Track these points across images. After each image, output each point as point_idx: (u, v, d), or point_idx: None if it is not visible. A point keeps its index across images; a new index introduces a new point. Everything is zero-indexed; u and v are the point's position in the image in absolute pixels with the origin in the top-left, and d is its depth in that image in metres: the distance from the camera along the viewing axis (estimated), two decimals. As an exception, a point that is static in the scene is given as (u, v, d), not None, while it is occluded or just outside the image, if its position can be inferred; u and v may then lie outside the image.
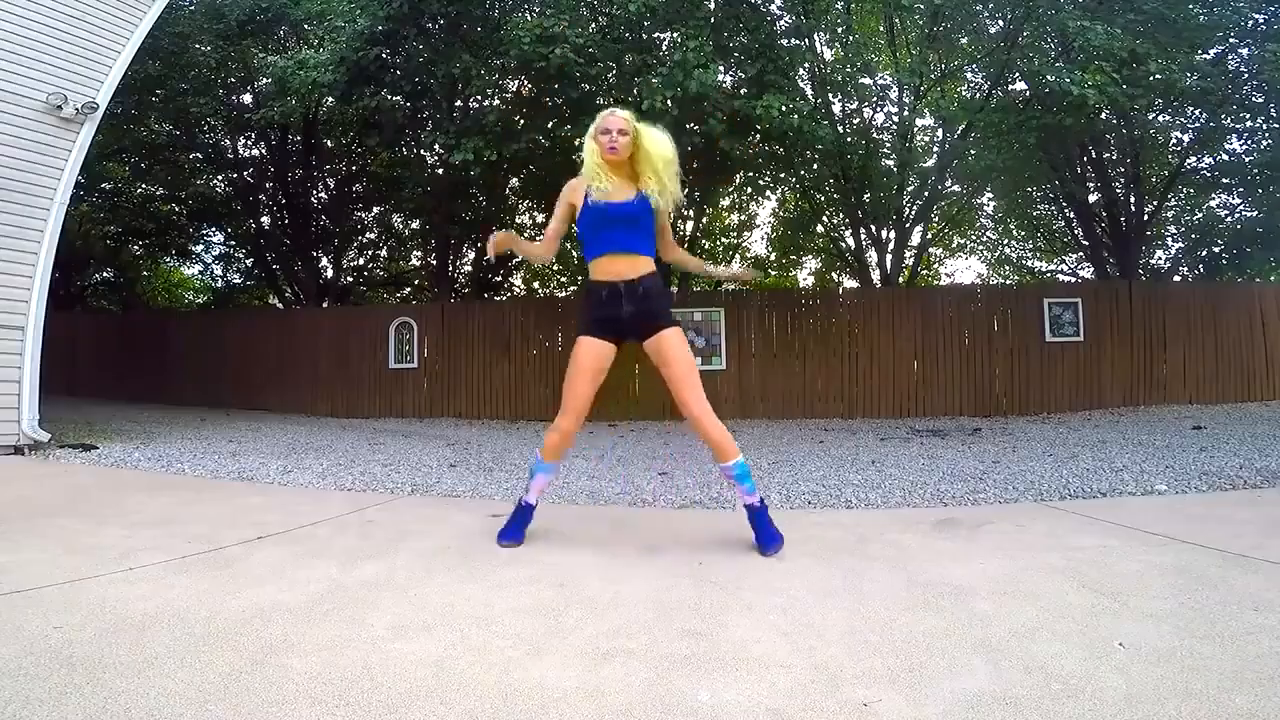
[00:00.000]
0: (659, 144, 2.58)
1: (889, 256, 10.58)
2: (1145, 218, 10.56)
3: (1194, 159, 10.44)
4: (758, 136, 8.20)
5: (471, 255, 13.78)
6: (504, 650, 1.70)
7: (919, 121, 10.67)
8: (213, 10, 10.04)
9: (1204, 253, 11.29)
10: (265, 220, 13.60)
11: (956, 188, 11.56)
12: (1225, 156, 10.11)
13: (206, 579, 2.20)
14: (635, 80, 7.28)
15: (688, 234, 12.98)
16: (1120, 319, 8.68)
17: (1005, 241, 14.85)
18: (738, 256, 15.08)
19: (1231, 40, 8.32)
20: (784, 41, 8.59)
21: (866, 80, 9.64)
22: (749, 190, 12.70)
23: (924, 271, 14.91)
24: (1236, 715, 1.36)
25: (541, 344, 9.54)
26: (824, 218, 12.25)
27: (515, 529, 2.71)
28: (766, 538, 2.55)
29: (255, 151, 13.20)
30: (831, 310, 9.28)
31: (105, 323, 14.13)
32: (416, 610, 1.96)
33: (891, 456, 5.26)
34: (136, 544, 2.56)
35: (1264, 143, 9.31)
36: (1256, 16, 8.02)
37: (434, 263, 12.57)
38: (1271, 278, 10.99)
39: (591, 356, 2.62)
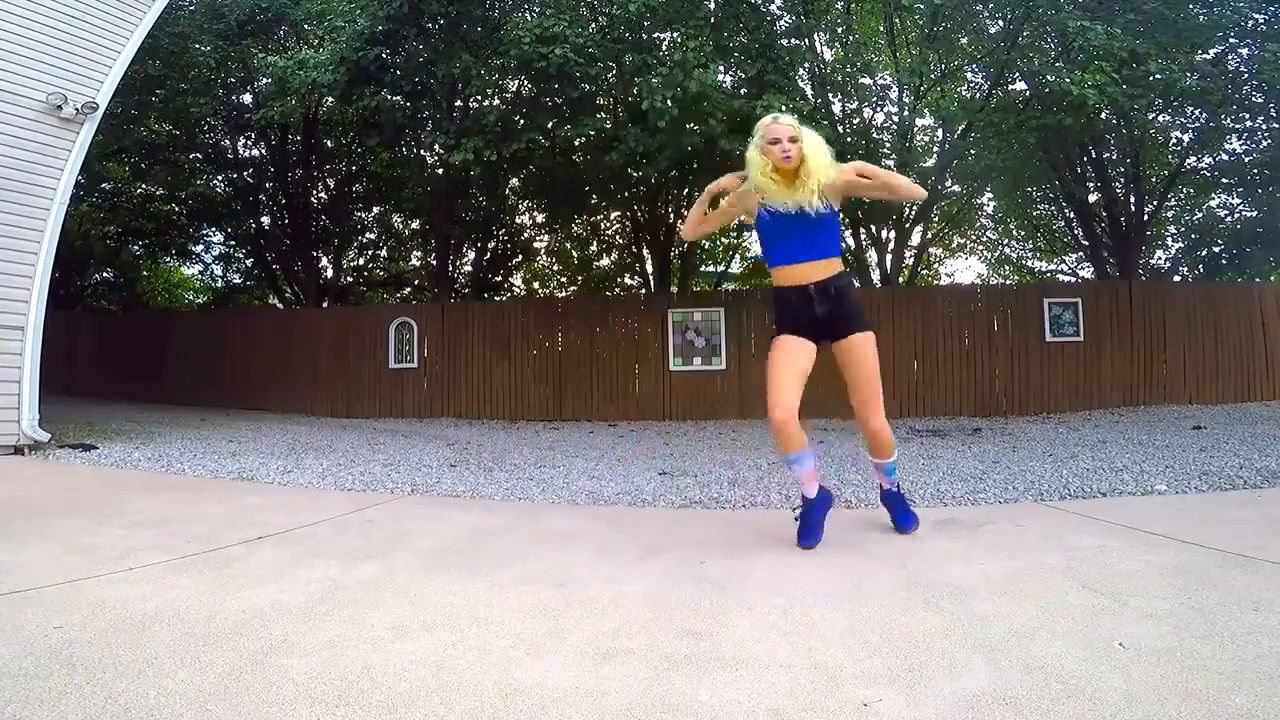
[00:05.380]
0: (820, 152, 2.51)
1: (889, 256, 10.58)
2: (1145, 218, 10.55)
3: (1194, 159, 10.42)
4: (758, 136, 8.19)
5: (471, 255, 13.80)
6: (504, 650, 1.70)
7: (919, 121, 10.66)
8: (213, 10, 10.03)
9: (1204, 253, 11.28)
10: (265, 220, 13.60)
11: (956, 188, 11.54)
12: (1225, 156, 10.10)
13: (206, 579, 2.20)
14: (635, 80, 7.29)
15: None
16: (1120, 319, 8.68)
17: (1005, 241, 14.85)
18: (738, 256, 15.09)
19: (1231, 40, 8.30)
20: (784, 41, 8.58)
21: (866, 80, 9.63)
22: (749, 190, 12.66)
23: (924, 271, 14.90)
24: (1236, 715, 1.36)
25: (541, 344, 9.54)
26: (823, 218, 12.22)
27: (813, 529, 2.63)
28: (903, 518, 2.80)
29: (255, 151, 13.20)
30: (831, 310, 9.27)
31: (105, 323, 14.12)
32: (416, 610, 1.96)
33: (891, 456, 5.26)
34: (136, 544, 2.56)
35: (1264, 143, 9.29)
36: (1256, 16, 8.01)
37: (434, 263, 12.58)
38: (1271, 278, 10.98)
39: (789, 352, 2.54)
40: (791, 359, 2.54)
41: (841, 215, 2.73)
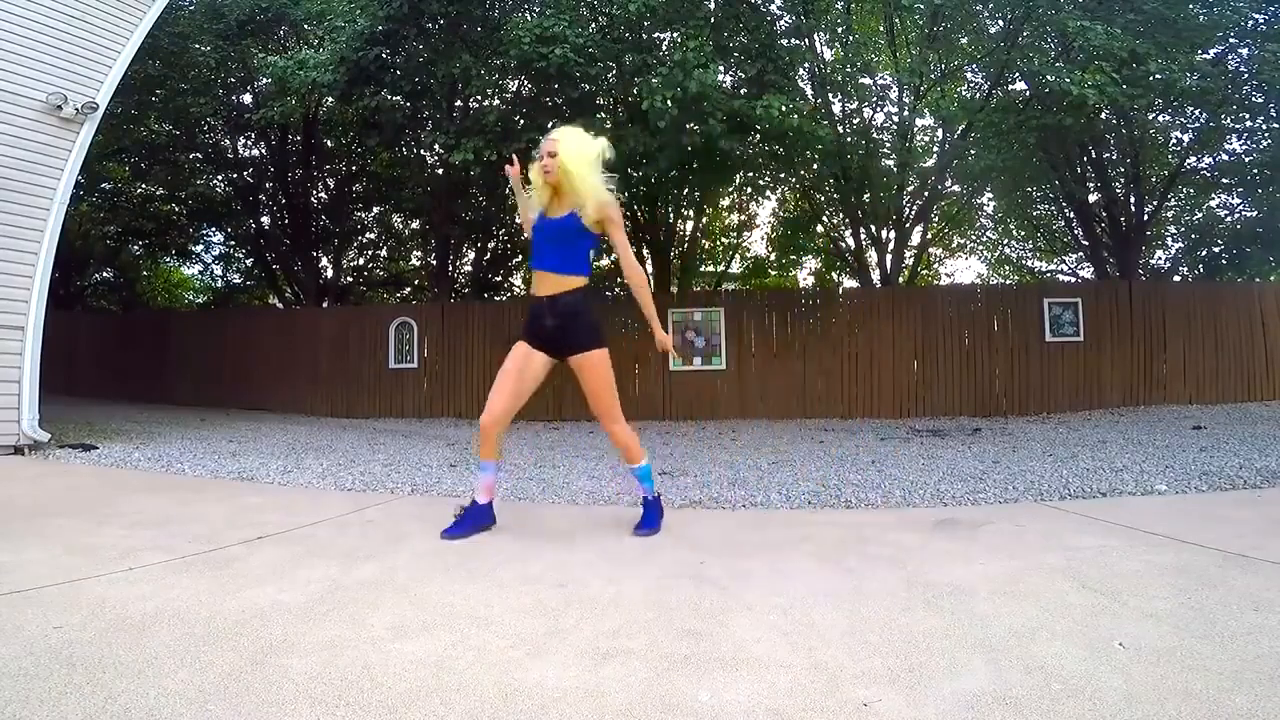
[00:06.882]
0: (573, 156, 2.63)
1: (889, 256, 10.57)
2: (1145, 218, 10.54)
3: (1194, 159, 10.42)
4: (758, 136, 8.20)
5: (471, 255, 13.80)
6: (504, 650, 1.70)
7: (919, 121, 10.66)
8: (213, 10, 10.03)
9: (1204, 253, 11.28)
10: (265, 220, 13.60)
11: (956, 188, 11.55)
12: (1225, 156, 10.10)
13: (206, 579, 2.20)
14: (635, 80, 7.29)
15: (687, 234, 12.99)
16: (1120, 319, 8.68)
17: (1005, 241, 14.85)
18: (738, 256, 15.09)
19: (1231, 40, 8.31)
20: (784, 41, 8.58)
21: (866, 80, 9.63)
22: (749, 190, 12.69)
23: (924, 271, 14.89)
24: (1236, 715, 1.36)
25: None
26: (824, 218, 12.25)
27: (461, 526, 2.79)
28: (645, 521, 2.86)
29: (255, 151, 13.20)
30: (831, 310, 9.27)
31: (105, 323, 14.12)
32: (416, 610, 1.96)
33: (891, 456, 5.26)
34: (136, 544, 2.56)
35: (1264, 143, 9.29)
36: (1256, 16, 8.01)
37: (434, 263, 12.57)
38: (1271, 278, 10.98)
39: (517, 359, 2.76)
40: (518, 368, 2.74)
41: (601, 240, 2.83)
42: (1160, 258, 12.32)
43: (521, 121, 8.58)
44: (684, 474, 4.60)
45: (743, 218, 14.84)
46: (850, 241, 11.48)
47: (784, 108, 6.83)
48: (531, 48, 6.87)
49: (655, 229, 11.63)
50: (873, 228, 10.58)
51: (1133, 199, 10.44)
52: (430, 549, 2.61)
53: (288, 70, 8.05)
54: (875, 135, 10.32)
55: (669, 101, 6.59)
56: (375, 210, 14.31)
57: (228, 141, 12.91)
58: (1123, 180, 10.62)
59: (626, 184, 9.88)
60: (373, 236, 15.20)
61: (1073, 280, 12.84)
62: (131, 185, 13.51)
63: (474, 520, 2.80)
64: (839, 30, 9.80)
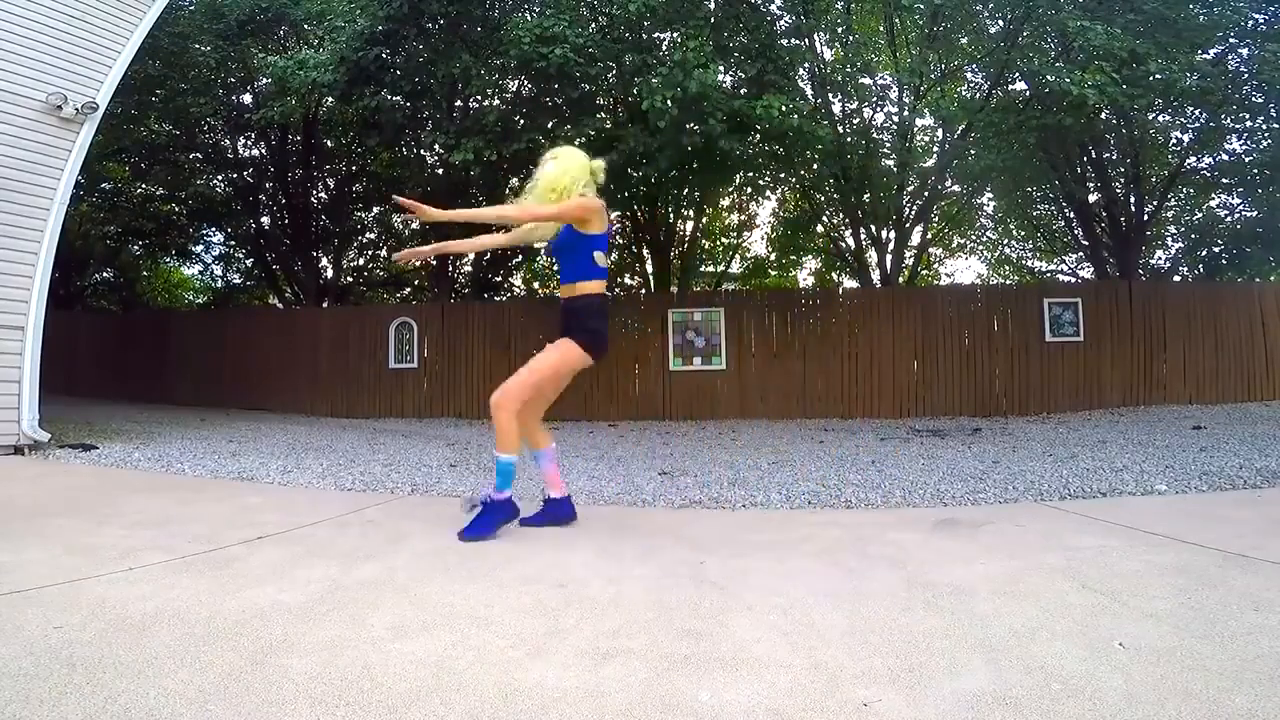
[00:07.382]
0: (554, 168, 2.88)
1: (889, 256, 10.58)
2: (1145, 218, 10.55)
3: (1194, 159, 10.42)
4: (758, 136, 8.20)
5: (471, 255, 13.79)
6: (504, 650, 1.70)
7: (919, 121, 10.66)
8: (213, 10, 10.03)
9: (1204, 253, 11.28)
10: (265, 220, 13.60)
11: (956, 188, 11.54)
12: (1225, 156, 10.09)
13: (206, 579, 2.20)
14: (635, 80, 7.29)
15: (687, 234, 12.99)
16: (1120, 319, 8.68)
17: (1005, 241, 14.84)
18: (738, 256, 15.09)
19: (1231, 40, 8.31)
20: (784, 41, 8.58)
21: (866, 80, 9.63)
22: (749, 190, 12.70)
23: (924, 271, 14.90)
24: (1236, 715, 1.36)
25: (541, 344, 9.49)
26: (824, 218, 12.25)
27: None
28: (474, 524, 2.73)
29: (255, 151, 13.20)
30: (831, 310, 9.28)
31: (105, 323, 14.11)
32: (416, 610, 1.96)
33: (891, 456, 5.26)
34: (136, 544, 2.56)
35: (1264, 143, 9.29)
36: (1256, 16, 8.02)
37: (434, 263, 12.56)
38: (1271, 278, 10.97)
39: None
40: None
41: (614, 235, 3.06)
42: (1160, 258, 12.34)
43: (521, 121, 8.58)
44: (684, 474, 4.60)
45: (743, 218, 14.85)
46: (850, 241, 11.48)
47: (784, 108, 6.83)
48: (531, 48, 6.87)
49: (655, 229, 11.63)
50: (873, 228, 10.58)
51: (1133, 199, 10.44)
52: (430, 549, 2.61)
53: (288, 70, 8.05)
54: (875, 135, 10.33)
55: (669, 101, 6.59)
56: (375, 210, 14.30)
57: (228, 141, 12.91)
58: (1123, 180, 10.62)
59: (626, 184, 9.92)
60: (373, 236, 15.20)
61: (1073, 280, 12.84)
62: (131, 185, 13.50)
63: (552, 514, 2.95)
64: (839, 30, 9.81)
